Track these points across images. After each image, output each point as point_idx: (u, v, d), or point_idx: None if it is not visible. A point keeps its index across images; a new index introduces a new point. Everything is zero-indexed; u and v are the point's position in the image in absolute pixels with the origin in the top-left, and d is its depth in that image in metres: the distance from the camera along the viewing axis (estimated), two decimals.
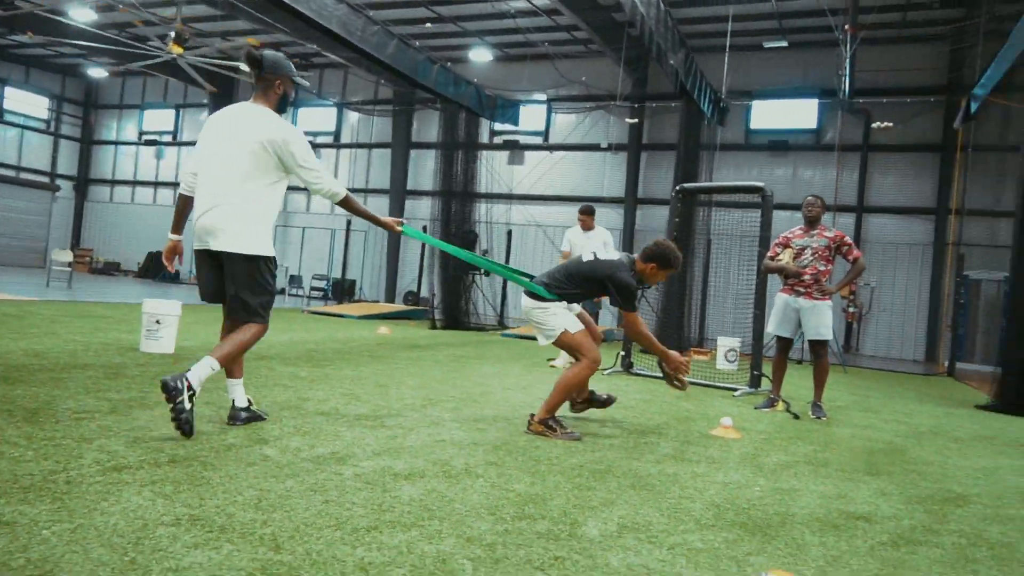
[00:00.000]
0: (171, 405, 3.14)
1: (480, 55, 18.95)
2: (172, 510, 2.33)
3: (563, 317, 4.22)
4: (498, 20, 16.83)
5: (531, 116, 20.31)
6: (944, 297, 15.52)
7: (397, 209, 20.72)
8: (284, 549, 2.11)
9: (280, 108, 3.64)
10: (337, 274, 20.98)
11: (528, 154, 20.41)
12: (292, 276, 21.42)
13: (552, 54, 18.16)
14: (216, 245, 3.45)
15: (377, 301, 19.49)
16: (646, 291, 11.67)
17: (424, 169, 19.99)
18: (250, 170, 3.42)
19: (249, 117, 3.49)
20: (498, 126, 19.71)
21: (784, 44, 16.63)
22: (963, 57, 14.85)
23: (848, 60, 13.14)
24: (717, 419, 4.89)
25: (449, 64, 14.01)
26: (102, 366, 5.13)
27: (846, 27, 12.60)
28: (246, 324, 3.52)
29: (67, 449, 2.93)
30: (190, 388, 3.19)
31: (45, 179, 24.86)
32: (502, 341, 11.61)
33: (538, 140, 20.43)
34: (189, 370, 3.26)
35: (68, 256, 15.36)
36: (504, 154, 20.46)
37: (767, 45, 16.80)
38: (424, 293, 17.54)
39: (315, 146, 22.82)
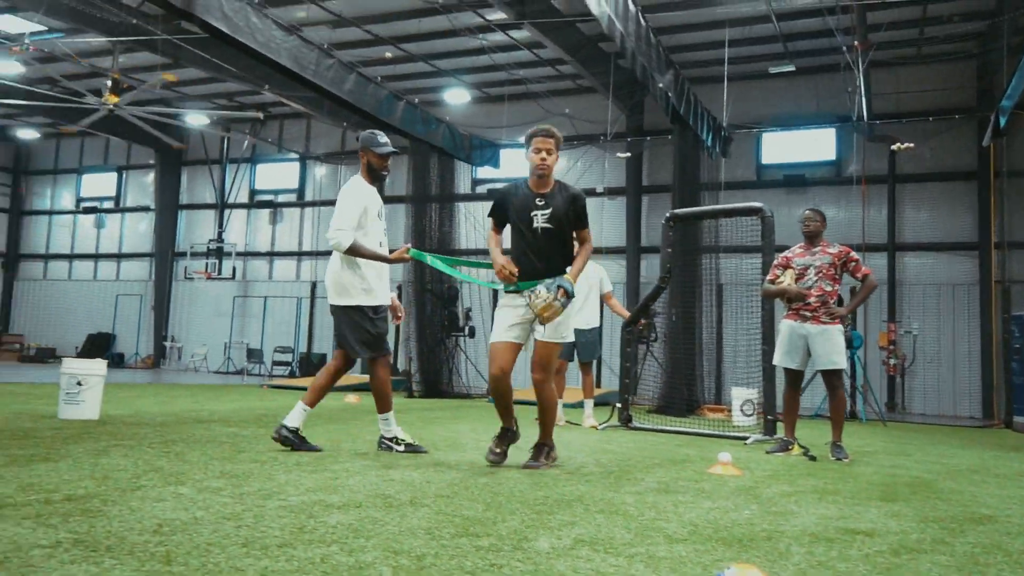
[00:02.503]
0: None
1: (456, 96, 19.49)
2: (53, 536, 2.34)
3: (497, 317, 4.63)
4: (474, 57, 17.38)
5: (517, 160, 20.73)
6: (994, 342, 15.54)
7: None
8: (177, 563, 2.11)
9: (371, 175, 4.95)
10: (305, 347, 21.04)
11: None
12: (251, 350, 21.42)
13: (536, 91, 18.67)
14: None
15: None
16: (652, 343, 11.79)
17: (396, 225, 20.24)
18: None
19: None
20: (480, 173, 20.10)
21: (791, 68, 17.15)
22: (991, 72, 15.30)
23: (862, 79, 13.55)
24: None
25: (417, 100, 14.44)
26: (9, 430, 5.13)
27: (855, 44, 13.04)
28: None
29: None
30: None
31: None
32: (487, 406, 11.56)
33: None
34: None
35: None
36: (488, 205, 20.76)
37: (773, 71, 17.32)
38: (402, 365, 17.60)
39: (277, 205, 23.18)
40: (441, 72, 18.42)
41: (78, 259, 25.63)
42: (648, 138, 18.03)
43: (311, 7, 14.43)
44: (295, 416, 4.82)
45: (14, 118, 22.29)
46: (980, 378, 16.27)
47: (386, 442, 4.95)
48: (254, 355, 21.20)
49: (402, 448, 4.91)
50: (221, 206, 23.49)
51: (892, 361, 16.76)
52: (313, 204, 22.78)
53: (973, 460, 6.43)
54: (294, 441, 4.75)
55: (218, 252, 22.50)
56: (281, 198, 23.25)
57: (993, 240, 15.42)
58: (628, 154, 17.43)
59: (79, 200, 25.68)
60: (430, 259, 5.44)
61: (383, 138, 4.98)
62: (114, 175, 25.16)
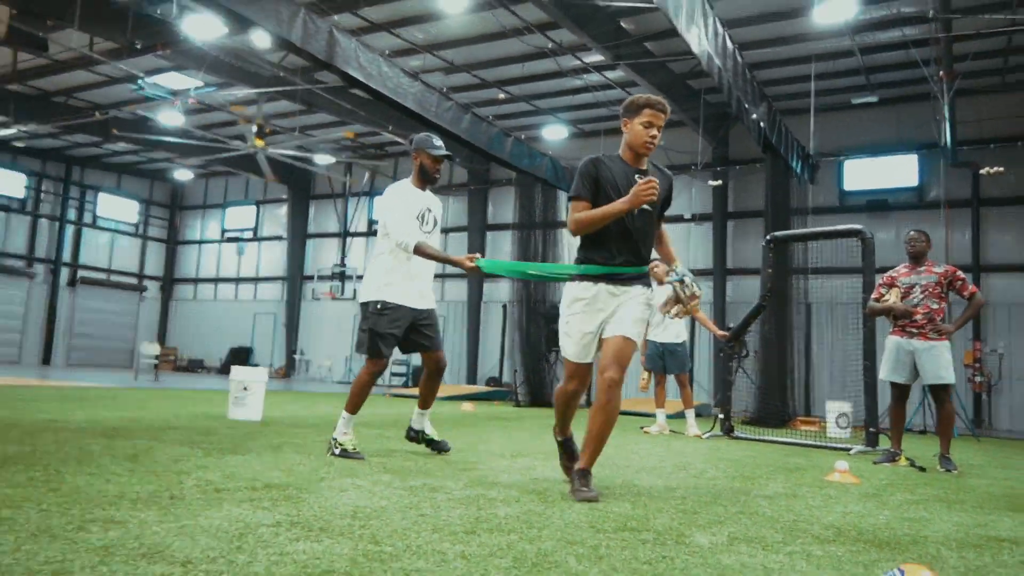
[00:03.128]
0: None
1: (555, 132, 19.60)
2: (272, 517, 2.46)
3: (573, 324, 3.52)
4: (571, 96, 17.47)
5: None
6: None
7: (476, 293, 21.16)
8: (384, 543, 2.18)
9: (423, 176, 4.53)
10: (418, 360, 21.42)
11: None
12: None
13: None
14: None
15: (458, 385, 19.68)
16: (743, 359, 11.51)
17: (501, 251, 20.47)
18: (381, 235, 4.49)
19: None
20: None
21: (874, 99, 16.56)
22: None
23: (947, 108, 12.98)
24: (830, 470, 4.71)
25: (523, 136, 14.61)
26: (193, 428, 5.40)
27: (940, 74, 12.51)
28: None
29: (168, 478, 3.11)
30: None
31: (133, 280, 26.73)
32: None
33: None
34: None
35: (156, 349, 16.27)
36: None
37: (855, 101, 16.77)
38: (507, 378, 17.71)
39: None
40: (541, 111, 18.58)
41: (222, 282, 26.89)
42: (737, 167, 17.70)
43: (427, 56, 14.82)
44: (416, 420, 4.79)
45: (173, 161, 23.63)
46: None
47: (332, 440, 4.26)
48: None
49: (338, 452, 4.16)
50: (344, 235, 24.25)
51: (978, 379, 15.85)
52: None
53: None
54: (413, 437, 4.80)
55: (341, 275, 23.17)
56: None
57: None
58: (719, 182, 17.14)
59: (223, 231, 26.96)
60: (499, 267, 4.66)
61: (438, 141, 4.55)
62: (253, 208, 26.33)
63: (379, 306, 4.32)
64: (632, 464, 4.71)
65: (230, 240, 26.62)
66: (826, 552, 2.43)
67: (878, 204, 17.10)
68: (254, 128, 15.68)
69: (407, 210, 4.36)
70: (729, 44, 9.92)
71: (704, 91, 15.26)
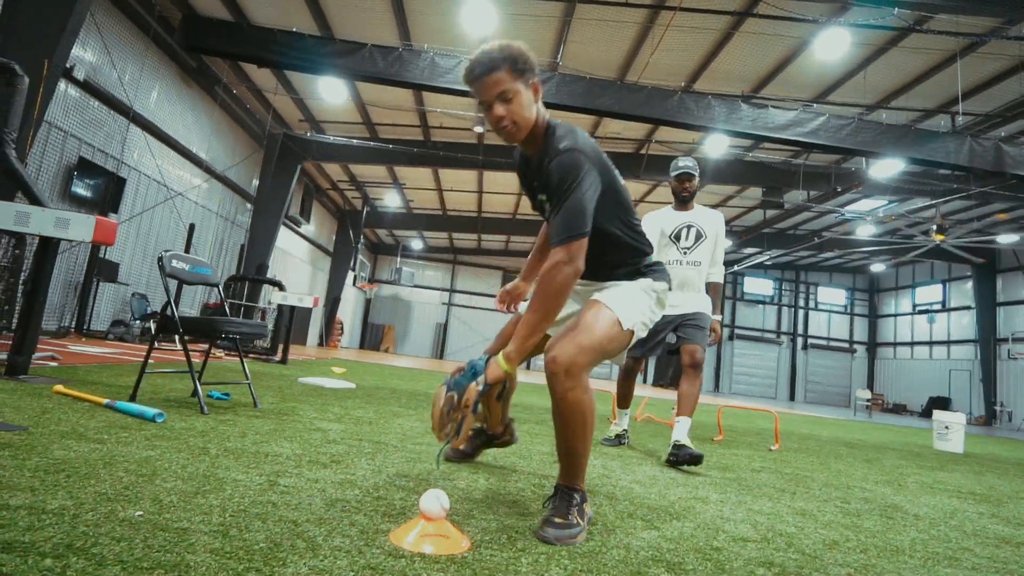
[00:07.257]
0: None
1: None
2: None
3: None
4: None
5: None
6: None
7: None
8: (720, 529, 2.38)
9: (674, 198, 3.54)
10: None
11: None
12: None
13: None
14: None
15: None
16: None
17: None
18: None
19: None
20: None
21: None
22: None
23: None
24: None
25: None
26: (906, 451, 5.66)
27: None
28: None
29: (891, 473, 3.85)
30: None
31: (845, 344, 27.60)
32: None
33: None
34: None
35: (868, 394, 16.68)
36: None
37: None
38: None
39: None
40: None
41: (917, 345, 25.20)
42: None
43: None
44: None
45: (868, 259, 24.15)
46: None
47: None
48: None
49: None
50: None
51: None
52: None
53: None
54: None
55: None
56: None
57: None
58: None
59: (914, 305, 25.45)
60: None
61: (676, 162, 3.44)
62: (939, 286, 24.35)
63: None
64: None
65: (920, 312, 24.96)
66: None
67: None
68: (935, 227, 14.10)
69: (655, 234, 3.51)
70: None
71: None
